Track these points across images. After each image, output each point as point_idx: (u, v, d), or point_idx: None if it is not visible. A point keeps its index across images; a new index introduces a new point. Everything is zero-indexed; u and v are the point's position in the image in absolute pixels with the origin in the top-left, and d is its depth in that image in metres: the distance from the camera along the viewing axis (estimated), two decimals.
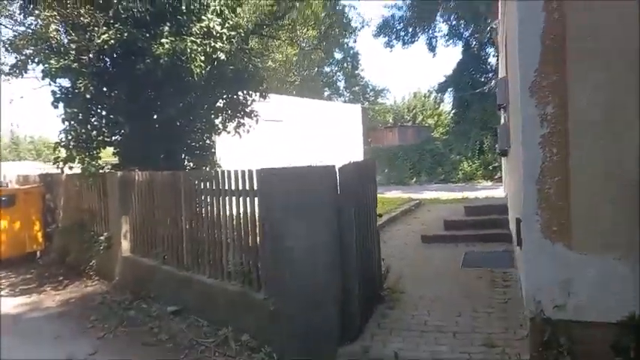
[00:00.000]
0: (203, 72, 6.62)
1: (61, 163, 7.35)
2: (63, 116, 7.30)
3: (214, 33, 6.73)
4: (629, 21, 3.08)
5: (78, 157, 7.07)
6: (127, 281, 6.72)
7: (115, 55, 7.08)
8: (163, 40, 6.33)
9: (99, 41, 6.43)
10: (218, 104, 8.76)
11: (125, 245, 6.96)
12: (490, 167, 24.25)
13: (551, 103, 3.29)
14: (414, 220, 11.32)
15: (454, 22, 27.40)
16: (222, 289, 4.97)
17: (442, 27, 30.60)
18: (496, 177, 23.48)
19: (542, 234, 3.36)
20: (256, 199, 4.56)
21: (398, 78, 63.08)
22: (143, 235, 6.63)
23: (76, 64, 6.70)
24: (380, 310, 4.81)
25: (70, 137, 7.15)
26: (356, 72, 42.32)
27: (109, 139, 7.98)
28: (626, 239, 3.14)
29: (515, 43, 3.52)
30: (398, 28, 31.78)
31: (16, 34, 7.47)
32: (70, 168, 7.53)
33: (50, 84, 7.04)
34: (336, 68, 42.96)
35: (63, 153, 7.38)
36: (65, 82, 7.37)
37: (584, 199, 3.24)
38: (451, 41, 31.24)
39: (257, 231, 4.59)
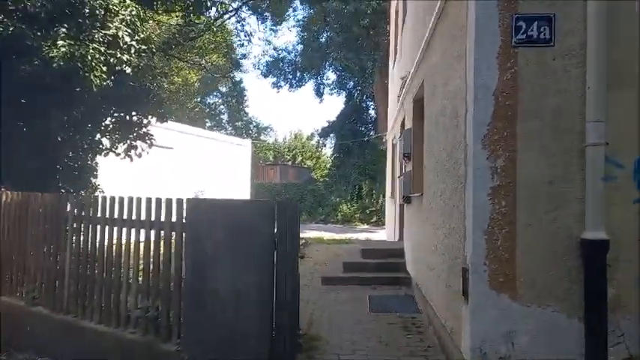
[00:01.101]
0: (103, 84, 5.83)
1: None
2: None
3: (121, 44, 6.02)
4: (576, 85, 3.34)
5: None
6: None
7: None
8: (59, 42, 5.46)
9: None
10: (107, 122, 7.88)
11: None
12: (367, 211, 25.34)
13: (502, 157, 3.39)
14: (306, 260, 11.14)
15: (341, 73, 28.84)
16: (118, 337, 4.18)
17: (330, 75, 31.94)
18: (372, 221, 24.61)
19: (489, 285, 3.37)
20: (173, 232, 3.99)
21: (281, 118, 63.91)
22: (6, 269, 5.44)
23: None
24: None
25: None
26: (240, 107, 42.12)
27: None
28: (565, 293, 3.28)
29: (468, 97, 3.61)
30: (287, 70, 32.52)
31: None
32: None
33: None
34: (220, 100, 42.37)
35: None
36: None
37: (529, 253, 3.34)
38: (335, 90, 32.84)
39: (171, 270, 3.98)
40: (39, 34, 5.65)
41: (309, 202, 27.52)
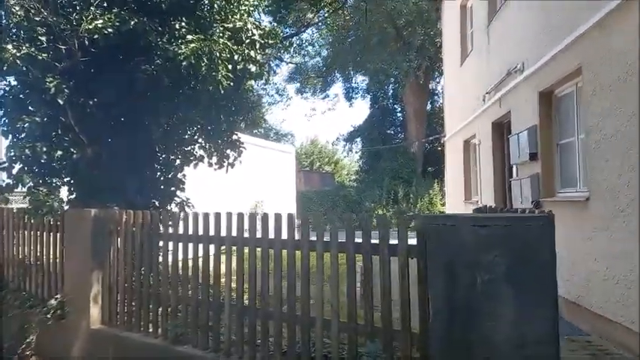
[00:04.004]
0: (229, 84, 5.10)
1: None
2: (4, 128, 5.17)
3: (244, 38, 5.29)
4: None
5: (31, 187, 4.94)
6: None
7: (99, 50, 5.18)
8: (189, 37, 4.74)
9: (89, 27, 4.61)
10: (192, 130, 7.19)
11: (95, 313, 4.89)
12: (404, 216, 24.49)
13: None
14: None
15: (372, 76, 28.04)
16: None
17: (359, 78, 31.05)
18: (410, 226, 23.72)
19: None
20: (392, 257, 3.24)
21: (300, 124, 62.31)
22: (133, 300, 4.70)
23: (44, 55, 4.74)
24: None
25: (17, 156, 4.98)
26: (259, 114, 41.42)
27: (58, 165, 5.85)
28: None
29: None
30: (311, 76, 31.83)
31: None
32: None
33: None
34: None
35: None
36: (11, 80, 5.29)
37: None
38: (360, 94, 32.18)
39: (403, 306, 3.23)
40: (160, 28, 4.94)
41: (341, 209, 26.72)
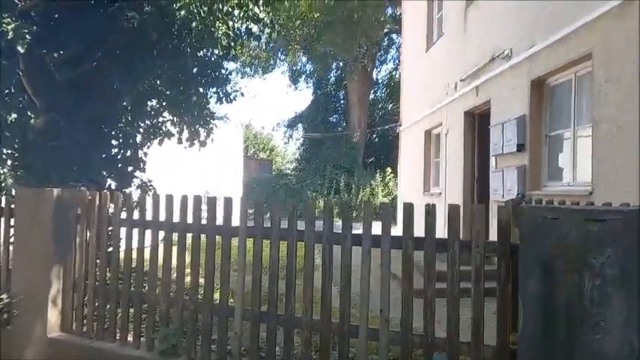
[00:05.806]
0: (229, 45, 4.35)
1: None
2: None
3: None
4: None
5: None
6: None
7: None
8: None
9: None
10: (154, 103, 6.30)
11: (54, 318, 3.98)
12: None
13: None
14: None
15: (317, 61, 27.36)
16: None
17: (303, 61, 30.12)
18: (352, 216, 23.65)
19: None
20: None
21: (240, 107, 58.26)
22: (107, 303, 3.85)
23: None
24: None
25: None
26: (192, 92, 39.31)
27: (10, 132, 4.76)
28: None
29: None
30: (252, 55, 30.59)
31: None
32: None
33: None
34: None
35: None
36: None
37: None
38: (304, 79, 31.45)
39: (475, 313, 2.74)
40: None
41: (281, 197, 26.05)
